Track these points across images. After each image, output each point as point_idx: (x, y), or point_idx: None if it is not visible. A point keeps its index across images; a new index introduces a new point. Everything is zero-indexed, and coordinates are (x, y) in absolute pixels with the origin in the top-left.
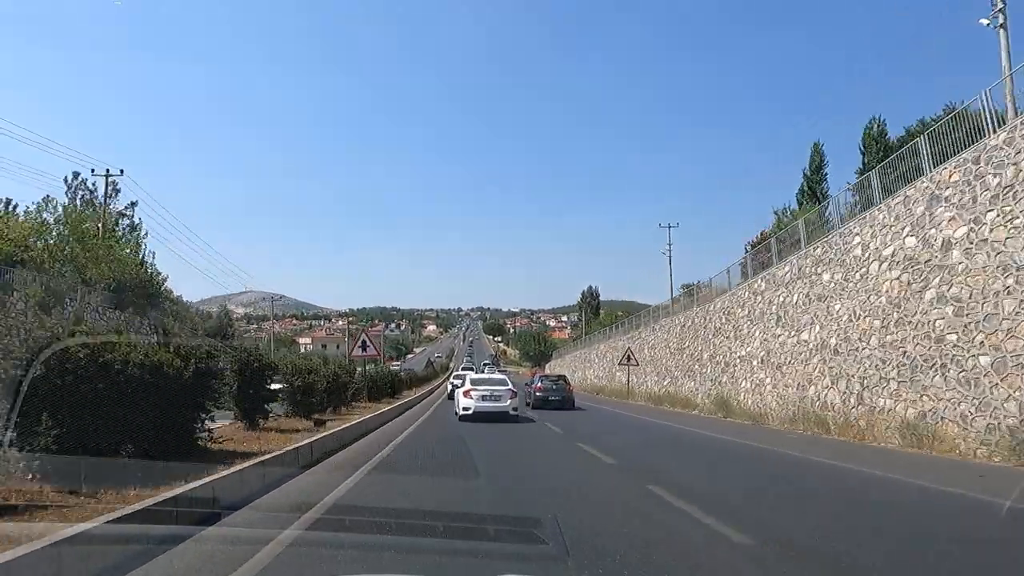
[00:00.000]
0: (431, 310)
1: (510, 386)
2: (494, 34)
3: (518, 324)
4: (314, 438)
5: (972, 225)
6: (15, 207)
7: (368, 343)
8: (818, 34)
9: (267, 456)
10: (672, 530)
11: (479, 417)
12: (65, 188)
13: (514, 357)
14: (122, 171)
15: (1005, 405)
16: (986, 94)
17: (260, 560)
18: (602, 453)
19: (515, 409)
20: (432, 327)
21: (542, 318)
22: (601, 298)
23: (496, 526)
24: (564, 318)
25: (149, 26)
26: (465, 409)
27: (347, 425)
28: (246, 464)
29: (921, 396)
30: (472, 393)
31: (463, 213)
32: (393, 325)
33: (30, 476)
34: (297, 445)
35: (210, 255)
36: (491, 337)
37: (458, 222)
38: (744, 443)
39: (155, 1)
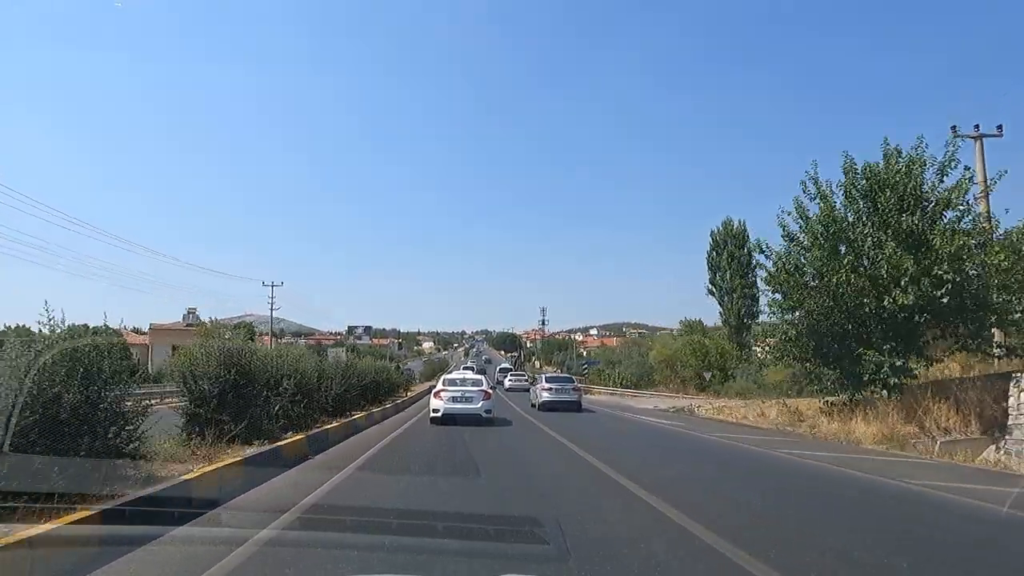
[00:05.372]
0: (433, 331)
1: (484, 387)
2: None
3: (536, 337)
4: None
5: None
6: None
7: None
8: None
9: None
10: None
11: (450, 420)
12: None
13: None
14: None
15: None
16: None
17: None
18: None
19: (488, 411)
20: (428, 344)
21: (560, 335)
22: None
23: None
24: (594, 331)
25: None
26: (435, 411)
27: None
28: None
29: None
30: (442, 394)
31: (465, 229)
32: (361, 331)
33: None
34: None
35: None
36: (503, 352)
37: (459, 240)
38: None
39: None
